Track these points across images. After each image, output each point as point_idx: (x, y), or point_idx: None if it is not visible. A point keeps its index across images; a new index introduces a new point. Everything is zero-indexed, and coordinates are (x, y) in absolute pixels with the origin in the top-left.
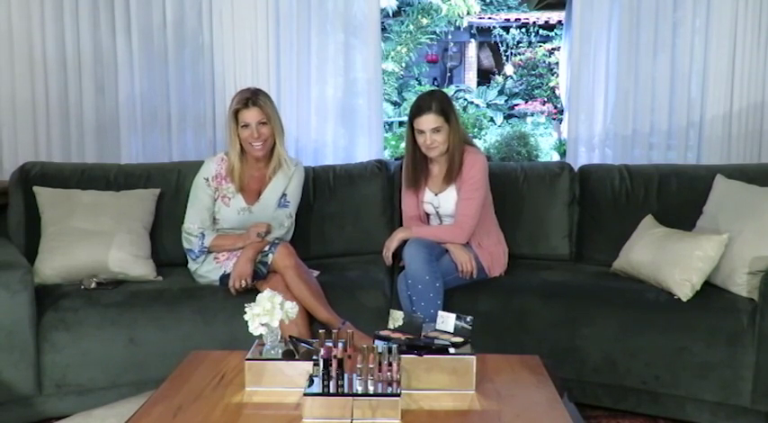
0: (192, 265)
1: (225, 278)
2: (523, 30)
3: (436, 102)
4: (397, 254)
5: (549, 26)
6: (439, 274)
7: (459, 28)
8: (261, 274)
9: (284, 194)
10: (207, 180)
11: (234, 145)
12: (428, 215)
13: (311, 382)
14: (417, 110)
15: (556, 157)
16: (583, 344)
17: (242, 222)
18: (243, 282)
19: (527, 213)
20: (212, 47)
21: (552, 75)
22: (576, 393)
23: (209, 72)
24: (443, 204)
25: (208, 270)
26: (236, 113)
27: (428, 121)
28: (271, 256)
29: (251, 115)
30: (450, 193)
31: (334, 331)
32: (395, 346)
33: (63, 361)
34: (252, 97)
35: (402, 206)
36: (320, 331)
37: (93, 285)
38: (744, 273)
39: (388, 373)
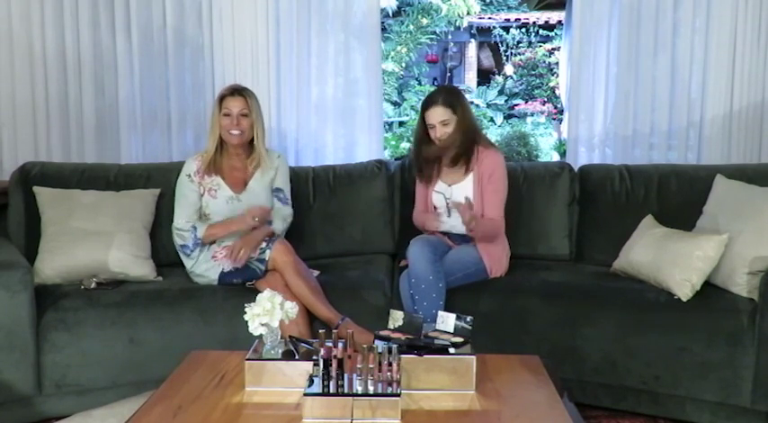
0: (187, 263)
1: (224, 277)
2: (523, 30)
3: (444, 94)
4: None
5: (549, 26)
6: (442, 275)
7: (459, 28)
8: (259, 273)
9: (279, 189)
10: (189, 176)
11: (213, 132)
12: (435, 209)
13: (311, 382)
14: (426, 103)
15: (556, 157)
16: (583, 344)
17: (232, 211)
18: (242, 251)
19: (527, 213)
20: (212, 47)
21: (552, 75)
22: (576, 393)
23: (209, 72)
24: (455, 195)
25: (206, 269)
26: (220, 100)
27: (436, 114)
28: (268, 252)
29: (234, 104)
30: (465, 185)
31: (334, 331)
32: (395, 346)
33: (63, 361)
34: (239, 88)
35: (415, 198)
36: (320, 331)
37: (93, 285)
38: (744, 273)
39: (388, 373)
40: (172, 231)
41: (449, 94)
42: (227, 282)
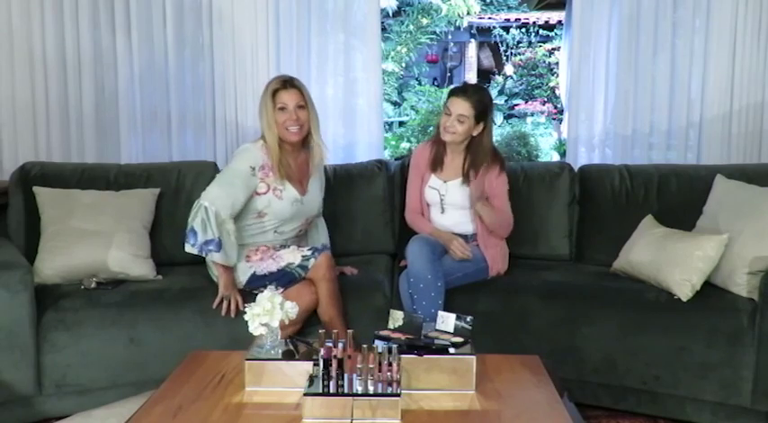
0: (190, 249)
1: (255, 280)
2: (523, 30)
3: (478, 95)
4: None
5: (549, 26)
6: (441, 274)
7: (459, 28)
8: (297, 277)
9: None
10: (253, 169)
11: (271, 129)
12: (428, 206)
13: (311, 382)
14: (457, 90)
15: (556, 157)
16: (583, 344)
17: (294, 214)
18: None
19: (527, 213)
20: (212, 47)
21: (552, 75)
22: (576, 393)
23: (209, 72)
24: (450, 192)
25: (235, 268)
26: (273, 94)
27: (458, 106)
28: (312, 260)
29: (290, 97)
30: (460, 182)
31: (334, 331)
32: (395, 346)
33: (63, 361)
34: (290, 80)
35: (407, 196)
36: (320, 331)
37: (93, 285)
38: (744, 273)
39: (388, 373)
40: (194, 204)
41: (482, 99)
42: (258, 285)
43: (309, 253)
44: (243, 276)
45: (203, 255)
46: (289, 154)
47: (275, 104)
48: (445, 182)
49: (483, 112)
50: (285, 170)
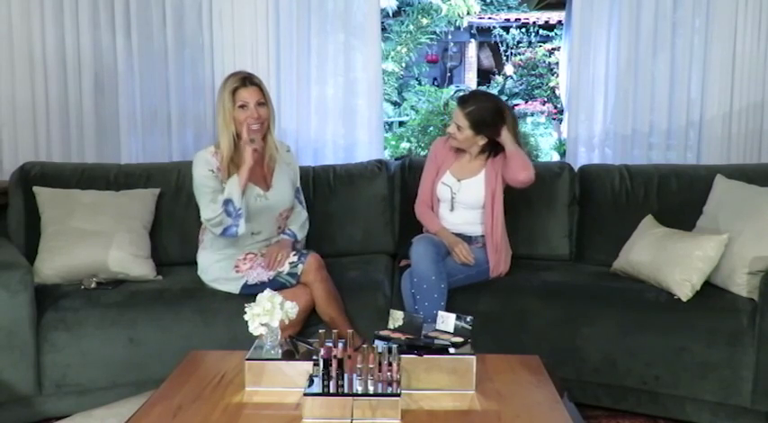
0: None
1: (248, 289)
2: (523, 30)
3: (475, 107)
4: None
5: (549, 26)
6: (445, 275)
7: (459, 28)
8: (289, 286)
9: (299, 190)
10: (213, 172)
11: (228, 127)
12: (438, 201)
13: (311, 382)
14: (458, 98)
15: (556, 157)
16: (583, 344)
17: (261, 209)
18: (280, 255)
19: (527, 213)
20: (212, 47)
21: (552, 75)
22: (576, 393)
23: (210, 72)
24: (464, 191)
25: (226, 280)
26: (233, 93)
27: (456, 114)
28: (300, 266)
29: (250, 94)
30: (475, 181)
31: (334, 331)
32: (395, 346)
33: (63, 361)
34: (249, 77)
35: (420, 187)
36: (320, 331)
37: (93, 285)
38: (744, 273)
39: (388, 373)
40: (206, 226)
41: (477, 111)
42: (252, 293)
43: (296, 259)
44: (235, 286)
45: (235, 209)
46: (247, 151)
47: (235, 102)
48: (459, 180)
49: (479, 124)
50: (237, 168)
